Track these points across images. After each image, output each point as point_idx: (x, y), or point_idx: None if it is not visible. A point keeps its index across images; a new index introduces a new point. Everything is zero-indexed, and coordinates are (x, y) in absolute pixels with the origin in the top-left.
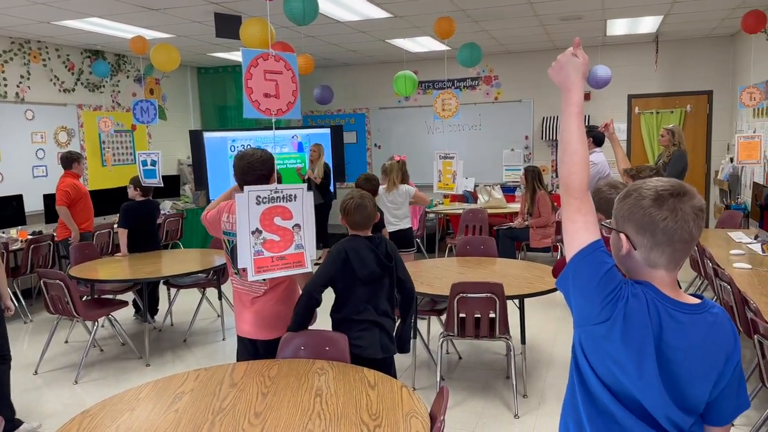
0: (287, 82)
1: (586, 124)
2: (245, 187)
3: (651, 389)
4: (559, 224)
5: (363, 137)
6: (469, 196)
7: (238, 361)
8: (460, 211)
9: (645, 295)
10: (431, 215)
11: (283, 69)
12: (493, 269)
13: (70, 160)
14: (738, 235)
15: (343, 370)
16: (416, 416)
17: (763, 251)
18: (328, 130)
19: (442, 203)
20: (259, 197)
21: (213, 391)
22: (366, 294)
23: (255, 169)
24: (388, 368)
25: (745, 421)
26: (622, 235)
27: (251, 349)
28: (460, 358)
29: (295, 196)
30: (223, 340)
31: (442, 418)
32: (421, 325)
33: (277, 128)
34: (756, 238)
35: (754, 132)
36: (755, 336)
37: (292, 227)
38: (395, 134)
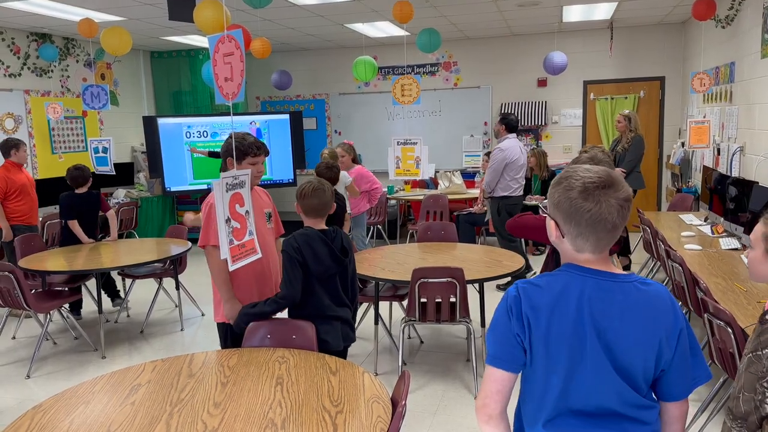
0: (238, 63)
1: (543, 111)
2: (222, 174)
3: (595, 365)
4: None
5: (323, 123)
6: (430, 182)
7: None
8: (421, 197)
9: (558, 279)
10: (392, 201)
11: (234, 49)
12: (453, 254)
13: (6, 148)
14: (689, 218)
15: (304, 357)
16: (378, 401)
17: (713, 233)
18: (287, 116)
19: (403, 189)
20: (228, 184)
21: (171, 383)
22: (323, 289)
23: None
24: (344, 354)
25: (695, 397)
26: (552, 222)
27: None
28: (421, 342)
29: (244, 182)
30: (182, 330)
31: (403, 402)
32: (383, 310)
33: (234, 114)
34: (706, 220)
35: (704, 117)
36: (705, 314)
37: (245, 213)
38: (356, 120)
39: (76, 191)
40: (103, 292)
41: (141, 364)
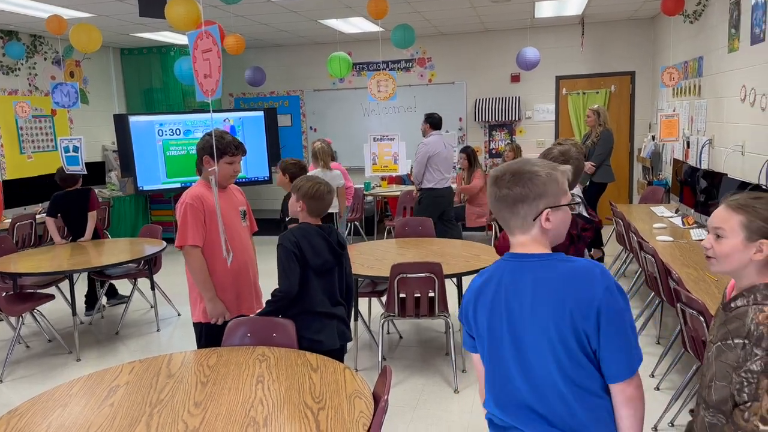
0: (215, 59)
1: (517, 107)
2: (210, 176)
3: (507, 344)
4: None
5: (298, 120)
6: (407, 179)
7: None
8: (398, 194)
9: (491, 269)
10: (369, 198)
11: (211, 45)
12: (431, 249)
13: None
14: (660, 210)
15: (284, 355)
16: (360, 396)
17: (684, 224)
18: (261, 113)
19: (380, 186)
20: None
21: (149, 383)
22: (320, 285)
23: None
24: (341, 352)
25: (670, 385)
26: None
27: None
28: (401, 337)
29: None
30: (158, 331)
31: (385, 397)
32: (362, 307)
33: (207, 110)
34: (677, 212)
35: (674, 111)
36: (678, 304)
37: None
38: (331, 117)
39: (67, 189)
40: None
41: (119, 365)
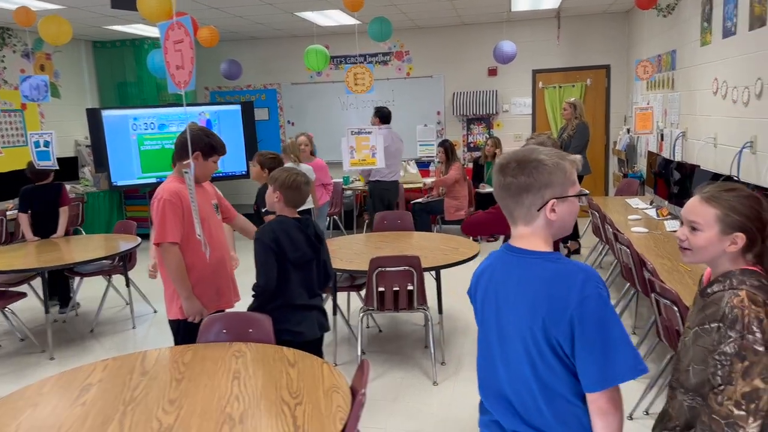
0: (188, 50)
1: (495, 100)
2: (184, 170)
3: (493, 333)
4: (471, 196)
5: (275, 114)
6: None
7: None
8: None
9: (491, 258)
10: (348, 192)
11: (183, 36)
12: (410, 243)
13: None
14: (635, 202)
15: (261, 351)
16: (338, 391)
17: (658, 216)
18: (238, 107)
19: (359, 180)
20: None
21: (123, 381)
22: (299, 277)
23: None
24: (320, 342)
25: (646, 374)
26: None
27: None
28: (380, 331)
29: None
30: (134, 328)
31: (362, 391)
32: (341, 301)
33: (181, 104)
34: (651, 203)
35: (648, 104)
36: (652, 294)
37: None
38: (309, 110)
39: (37, 184)
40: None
41: (92, 363)
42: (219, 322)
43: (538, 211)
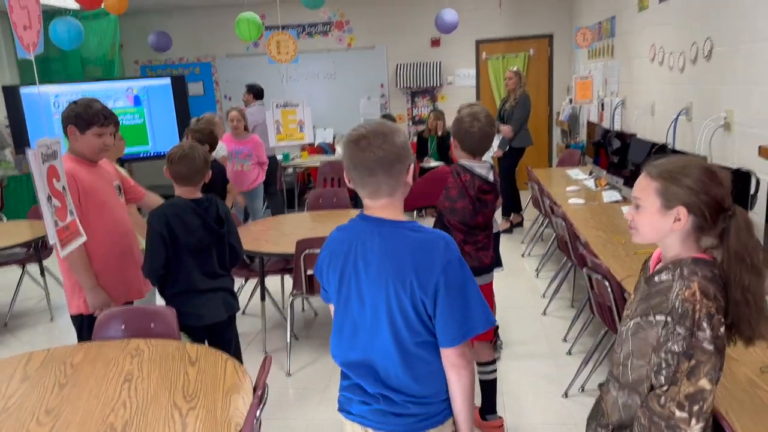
0: (34, 6)
1: (438, 72)
2: (37, 142)
3: (354, 301)
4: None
5: (210, 88)
6: (328, 148)
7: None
8: (318, 165)
9: (347, 227)
10: (289, 170)
11: None
12: (345, 222)
13: None
14: (575, 173)
15: (162, 347)
16: (238, 391)
17: (596, 186)
18: (168, 81)
19: (300, 156)
20: (43, 154)
21: None
22: (196, 263)
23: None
24: (230, 325)
25: (582, 349)
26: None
27: None
28: (316, 315)
29: (57, 153)
30: (51, 320)
31: (259, 392)
32: (273, 285)
33: (109, 80)
34: (590, 174)
35: (589, 73)
36: (584, 269)
37: (62, 189)
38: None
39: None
40: None
41: None
42: (117, 318)
43: (403, 180)
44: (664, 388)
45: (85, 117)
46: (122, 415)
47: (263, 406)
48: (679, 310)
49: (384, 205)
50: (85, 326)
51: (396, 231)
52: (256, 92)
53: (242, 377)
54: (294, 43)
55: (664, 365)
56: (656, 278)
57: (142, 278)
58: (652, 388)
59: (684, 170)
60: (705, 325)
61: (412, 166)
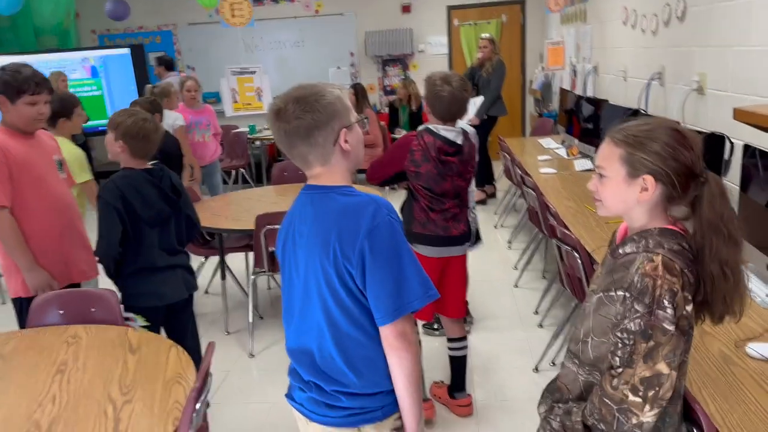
0: None
1: (410, 39)
2: None
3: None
4: (386, 143)
5: (172, 58)
6: None
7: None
8: None
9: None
10: (257, 143)
11: None
12: None
13: None
14: (547, 142)
15: (101, 334)
16: (180, 381)
17: (568, 155)
18: (127, 51)
19: (267, 129)
20: None
21: None
22: (155, 238)
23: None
24: (187, 304)
25: (553, 322)
26: None
27: None
28: None
29: None
30: (3, 303)
31: (198, 384)
32: (236, 263)
33: (64, 50)
34: (563, 143)
35: (562, 38)
36: (554, 240)
37: None
38: (211, 54)
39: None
40: None
41: None
42: (53, 303)
43: (334, 145)
44: (619, 369)
45: (15, 84)
46: (49, 412)
47: (205, 398)
48: (638, 286)
49: (319, 174)
50: (24, 310)
51: (325, 196)
52: (167, 64)
53: (186, 366)
54: (249, 6)
55: (620, 345)
56: (621, 250)
57: (87, 258)
58: (609, 368)
59: (650, 134)
60: (666, 303)
61: (354, 126)
